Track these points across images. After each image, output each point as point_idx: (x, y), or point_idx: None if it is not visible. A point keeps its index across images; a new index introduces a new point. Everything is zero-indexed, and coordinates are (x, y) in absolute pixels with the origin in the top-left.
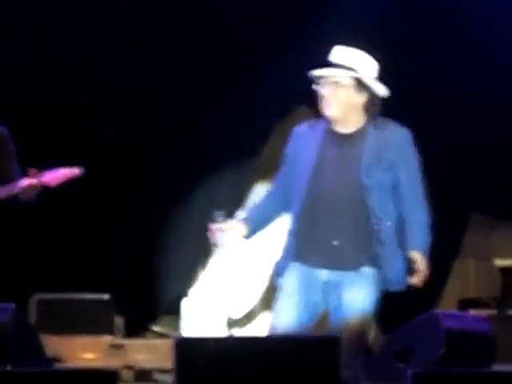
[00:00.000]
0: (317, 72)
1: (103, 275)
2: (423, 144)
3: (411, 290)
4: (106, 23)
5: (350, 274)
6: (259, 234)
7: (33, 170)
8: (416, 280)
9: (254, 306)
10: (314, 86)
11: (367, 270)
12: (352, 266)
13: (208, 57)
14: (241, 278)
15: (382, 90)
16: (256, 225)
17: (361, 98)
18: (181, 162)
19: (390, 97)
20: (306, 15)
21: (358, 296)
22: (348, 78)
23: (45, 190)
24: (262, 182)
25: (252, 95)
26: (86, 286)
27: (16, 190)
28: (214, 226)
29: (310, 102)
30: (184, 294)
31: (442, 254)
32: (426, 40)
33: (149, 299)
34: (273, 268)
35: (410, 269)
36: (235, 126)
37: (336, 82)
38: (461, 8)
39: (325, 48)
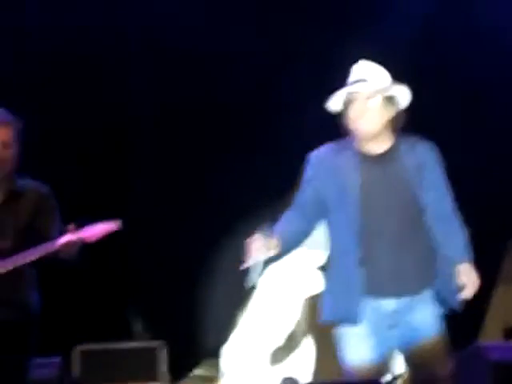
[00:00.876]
0: (350, 89)
1: (147, 322)
2: (461, 172)
3: (453, 317)
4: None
5: (416, 299)
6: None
7: (71, 227)
8: (468, 292)
9: (293, 335)
10: (335, 106)
11: (428, 293)
12: (416, 290)
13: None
14: (277, 313)
15: (406, 102)
16: (287, 243)
17: (389, 114)
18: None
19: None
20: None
21: (426, 318)
22: (378, 93)
23: (86, 245)
24: None
25: (277, 137)
26: (129, 334)
27: (56, 248)
28: (252, 242)
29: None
30: (225, 338)
31: (483, 282)
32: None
33: (192, 344)
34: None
35: (460, 283)
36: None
37: (368, 98)
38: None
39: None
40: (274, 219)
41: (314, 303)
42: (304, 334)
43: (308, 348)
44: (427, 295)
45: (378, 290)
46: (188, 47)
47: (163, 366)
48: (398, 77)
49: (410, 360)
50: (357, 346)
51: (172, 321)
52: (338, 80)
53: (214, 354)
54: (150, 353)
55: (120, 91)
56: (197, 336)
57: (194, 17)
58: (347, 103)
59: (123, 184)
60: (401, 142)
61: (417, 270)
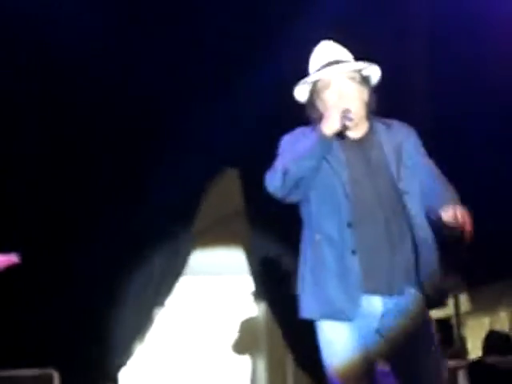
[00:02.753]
0: (329, 71)
1: (43, 350)
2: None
3: None
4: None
5: (405, 299)
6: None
7: None
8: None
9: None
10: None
11: (414, 292)
12: (407, 287)
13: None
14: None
15: (376, 81)
16: None
17: (365, 95)
18: (121, 231)
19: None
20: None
21: (417, 320)
22: (356, 73)
23: None
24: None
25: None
26: (26, 361)
27: None
28: None
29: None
30: (123, 363)
31: None
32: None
33: (90, 370)
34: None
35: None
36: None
37: (353, 78)
38: None
39: None
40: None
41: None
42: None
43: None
44: (415, 295)
45: (371, 284)
46: None
47: None
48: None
49: (400, 371)
50: (340, 350)
51: (66, 347)
52: None
53: (111, 379)
54: (43, 380)
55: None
56: (92, 362)
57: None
58: (320, 89)
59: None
60: (376, 125)
61: (409, 263)
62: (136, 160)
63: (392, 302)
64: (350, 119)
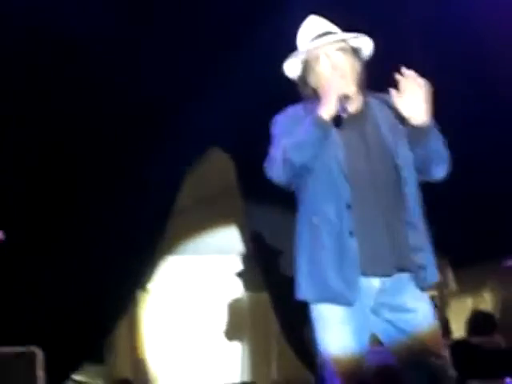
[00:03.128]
0: (320, 41)
1: (24, 327)
2: None
3: None
4: None
5: (403, 279)
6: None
7: None
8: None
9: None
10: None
11: (414, 273)
12: (405, 267)
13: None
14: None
15: (367, 54)
16: None
17: (358, 67)
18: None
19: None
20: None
21: (421, 301)
22: (347, 45)
23: None
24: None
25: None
26: (6, 338)
27: None
28: None
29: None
30: (107, 342)
31: None
32: None
33: (72, 349)
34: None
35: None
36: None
37: (343, 49)
38: None
39: None
40: None
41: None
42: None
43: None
44: (415, 275)
45: (369, 266)
46: None
47: (40, 371)
48: None
49: (399, 352)
50: (335, 332)
51: (50, 325)
52: None
53: (96, 359)
54: (27, 358)
55: None
56: (77, 341)
57: None
58: (311, 62)
59: None
60: (371, 100)
61: (407, 243)
62: (127, 142)
63: (390, 280)
64: (346, 104)
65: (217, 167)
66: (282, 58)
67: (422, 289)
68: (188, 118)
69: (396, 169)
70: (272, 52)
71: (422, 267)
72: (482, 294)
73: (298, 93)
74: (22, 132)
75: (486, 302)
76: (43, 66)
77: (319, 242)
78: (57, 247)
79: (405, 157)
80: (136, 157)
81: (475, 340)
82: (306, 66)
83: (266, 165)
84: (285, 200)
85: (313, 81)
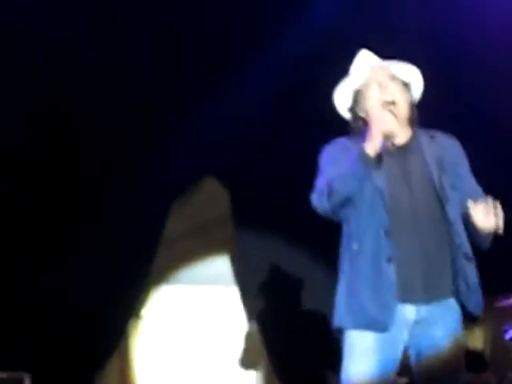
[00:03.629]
0: (381, 66)
1: (13, 352)
2: None
3: None
4: None
5: (440, 308)
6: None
7: None
8: (497, 223)
9: None
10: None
11: (453, 301)
12: (443, 297)
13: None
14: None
15: (419, 91)
16: None
17: (408, 96)
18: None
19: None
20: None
21: (450, 331)
22: (399, 78)
23: None
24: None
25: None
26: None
27: None
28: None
29: (218, 173)
30: (97, 368)
31: None
32: None
33: (62, 376)
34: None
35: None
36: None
37: (393, 77)
38: None
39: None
40: None
41: None
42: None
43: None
44: (453, 304)
45: (405, 292)
46: None
47: None
48: None
49: (420, 374)
50: (362, 360)
51: (40, 351)
52: None
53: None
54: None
55: None
56: (67, 368)
57: None
58: (362, 90)
59: None
60: (419, 133)
61: (446, 272)
62: (119, 163)
63: (426, 309)
64: (390, 142)
65: (211, 196)
66: (273, 86)
67: (468, 320)
68: (181, 147)
69: (439, 200)
70: (263, 80)
71: (464, 292)
72: (474, 331)
73: (292, 121)
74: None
75: (478, 339)
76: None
77: (358, 269)
78: (50, 272)
79: (449, 191)
80: (127, 184)
81: (466, 377)
82: (358, 95)
83: (311, 195)
84: (278, 230)
85: (363, 109)
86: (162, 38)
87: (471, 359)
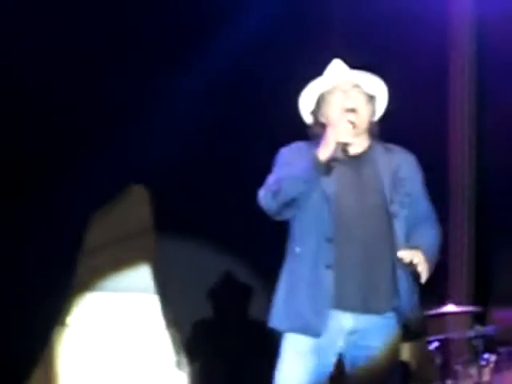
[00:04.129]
0: (348, 74)
1: None
2: None
3: None
4: None
5: (377, 320)
6: None
7: None
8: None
9: None
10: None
11: (391, 314)
12: (382, 308)
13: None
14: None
15: (382, 107)
16: None
17: (371, 109)
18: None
19: None
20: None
21: (380, 346)
22: (364, 89)
23: None
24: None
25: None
26: None
27: None
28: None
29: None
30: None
31: None
32: None
33: None
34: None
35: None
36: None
37: (359, 87)
38: None
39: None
40: None
41: None
42: None
43: None
44: (391, 320)
45: (342, 301)
46: None
47: None
48: None
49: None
50: (295, 364)
51: None
52: None
53: None
54: None
55: None
56: None
57: None
58: (326, 95)
59: None
60: (376, 146)
61: (386, 286)
62: (41, 168)
63: (363, 320)
64: (344, 151)
65: (135, 204)
66: (197, 97)
67: (406, 336)
68: (106, 154)
69: (388, 214)
70: (189, 91)
71: (398, 311)
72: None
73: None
74: None
75: (403, 350)
76: None
77: (298, 272)
78: None
79: (398, 207)
80: (51, 190)
81: None
82: (321, 100)
83: (259, 192)
84: (201, 237)
85: (324, 115)
86: (93, 44)
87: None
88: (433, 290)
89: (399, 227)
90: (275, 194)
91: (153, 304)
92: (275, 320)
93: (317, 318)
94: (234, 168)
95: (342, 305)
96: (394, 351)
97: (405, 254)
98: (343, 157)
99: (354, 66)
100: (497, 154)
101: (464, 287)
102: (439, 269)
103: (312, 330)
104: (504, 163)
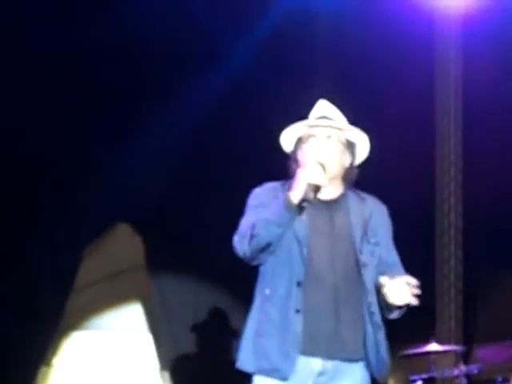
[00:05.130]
0: (324, 122)
1: None
2: None
3: None
4: None
5: (346, 364)
6: None
7: None
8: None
9: None
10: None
11: (362, 362)
12: (351, 356)
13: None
14: None
15: (363, 156)
16: None
17: (347, 160)
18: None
19: None
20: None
21: None
22: (343, 135)
23: None
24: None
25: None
26: None
27: None
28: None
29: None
30: None
31: None
32: None
33: None
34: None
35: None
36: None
37: (337, 137)
38: None
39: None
40: None
41: None
42: None
43: None
44: (361, 364)
45: (309, 345)
46: None
47: None
48: None
49: None
50: None
51: None
52: None
53: None
54: None
55: None
56: None
57: None
58: (303, 140)
59: None
60: (350, 193)
61: (355, 334)
62: (29, 206)
63: (332, 363)
64: (313, 194)
65: (123, 241)
66: (182, 134)
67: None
68: (93, 192)
69: (357, 263)
70: (175, 127)
71: (373, 359)
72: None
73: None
74: None
75: None
76: None
77: (267, 315)
78: None
79: (368, 257)
80: (38, 227)
81: None
82: (299, 142)
83: (234, 237)
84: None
85: (300, 158)
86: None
87: None
88: (418, 330)
89: (368, 276)
90: (250, 239)
91: (142, 342)
92: (243, 362)
93: (285, 362)
94: (222, 201)
95: (310, 350)
96: None
97: (408, 279)
98: (315, 198)
99: (340, 105)
100: (483, 189)
101: (452, 326)
102: (424, 308)
103: (279, 373)
104: (489, 200)
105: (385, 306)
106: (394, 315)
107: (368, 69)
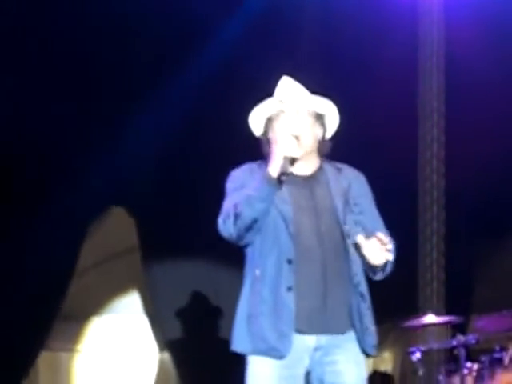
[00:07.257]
0: (292, 98)
1: None
2: None
3: None
4: None
5: (340, 337)
6: None
7: None
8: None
9: None
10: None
11: (352, 333)
12: (342, 328)
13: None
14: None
15: (333, 127)
16: None
17: (319, 133)
18: None
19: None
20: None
21: (350, 361)
22: (313, 108)
23: None
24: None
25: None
26: None
27: None
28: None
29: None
30: None
31: None
32: None
33: None
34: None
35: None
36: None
37: (306, 111)
38: None
39: None
40: None
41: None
42: None
43: None
44: (352, 336)
45: (303, 322)
46: None
47: None
48: None
49: None
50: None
51: None
52: None
53: None
54: None
55: None
56: None
57: None
58: (272, 119)
59: None
60: (326, 166)
61: (344, 307)
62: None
63: (326, 338)
64: (290, 165)
65: (117, 226)
66: (176, 119)
67: (364, 351)
68: (85, 178)
69: (342, 234)
70: (168, 112)
71: (358, 330)
72: (382, 353)
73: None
74: None
75: (386, 362)
76: None
77: (259, 295)
78: None
79: (351, 226)
80: (33, 217)
81: None
82: (269, 122)
83: (218, 220)
84: (186, 258)
85: (271, 138)
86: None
87: (378, 382)
88: (410, 302)
89: (353, 248)
90: (235, 219)
91: (141, 325)
92: (238, 343)
93: (280, 341)
94: (215, 184)
95: (304, 327)
96: (361, 364)
97: (367, 243)
98: (292, 170)
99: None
100: (465, 164)
101: (437, 297)
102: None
103: (276, 352)
104: (472, 178)
105: (368, 267)
106: (379, 276)
107: (352, 47)
